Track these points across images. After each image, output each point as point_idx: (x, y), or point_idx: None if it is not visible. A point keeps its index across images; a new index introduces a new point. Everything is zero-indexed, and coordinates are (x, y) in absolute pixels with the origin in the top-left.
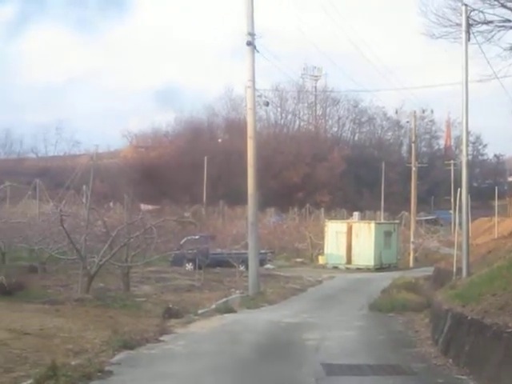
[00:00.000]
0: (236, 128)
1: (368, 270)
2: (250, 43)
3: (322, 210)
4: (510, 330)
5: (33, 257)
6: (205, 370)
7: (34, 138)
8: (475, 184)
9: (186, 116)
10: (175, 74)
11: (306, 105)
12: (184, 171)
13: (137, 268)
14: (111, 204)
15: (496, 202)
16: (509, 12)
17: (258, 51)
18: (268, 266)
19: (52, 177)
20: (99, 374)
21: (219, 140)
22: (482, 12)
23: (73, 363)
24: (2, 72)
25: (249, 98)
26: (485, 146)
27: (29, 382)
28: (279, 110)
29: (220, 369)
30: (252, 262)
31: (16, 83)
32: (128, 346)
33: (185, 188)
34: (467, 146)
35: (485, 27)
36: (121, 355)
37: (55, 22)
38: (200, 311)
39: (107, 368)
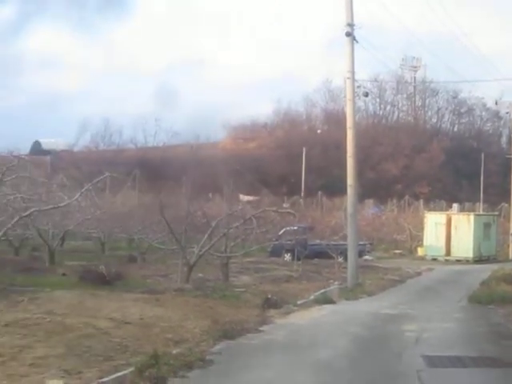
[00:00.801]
0: (334, 119)
1: (467, 261)
2: (349, 34)
3: (421, 201)
4: None
5: (132, 246)
6: (305, 360)
7: (134, 129)
8: None
9: (284, 107)
10: (273, 65)
11: (404, 96)
12: (282, 162)
13: (236, 258)
14: (210, 195)
15: None
16: None
17: (357, 42)
18: (366, 257)
19: (151, 167)
20: (200, 363)
21: (318, 131)
22: None
23: (174, 352)
24: (103, 63)
25: (348, 88)
26: None
27: (130, 369)
28: (378, 100)
29: (320, 360)
30: (351, 253)
31: (116, 73)
32: (228, 335)
33: (283, 179)
34: None
35: None
36: (221, 345)
37: (153, 12)
38: (299, 302)
39: (208, 357)
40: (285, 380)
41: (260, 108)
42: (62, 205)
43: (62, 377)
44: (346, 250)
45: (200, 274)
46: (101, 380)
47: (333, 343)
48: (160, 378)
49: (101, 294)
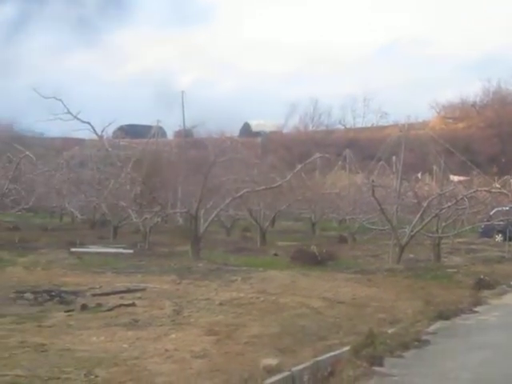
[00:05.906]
0: None
1: None
2: None
3: None
4: None
5: (343, 227)
6: None
7: (342, 110)
8: None
9: (493, 86)
10: (483, 43)
11: None
12: (492, 142)
13: (446, 239)
14: (419, 175)
15: None
16: None
17: None
18: None
19: (360, 148)
20: (416, 343)
21: None
22: None
23: (389, 332)
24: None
25: None
26: None
27: (345, 349)
28: None
29: None
30: None
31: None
32: (443, 316)
33: (493, 159)
34: None
35: None
36: (436, 325)
37: None
38: None
39: (424, 337)
40: (504, 361)
41: (469, 87)
42: (273, 186)
43: (277, 356)
44: None
45: (411, 255)
46: (316, 359)
47: None
48: (377, 357)
49: (313, 273)
